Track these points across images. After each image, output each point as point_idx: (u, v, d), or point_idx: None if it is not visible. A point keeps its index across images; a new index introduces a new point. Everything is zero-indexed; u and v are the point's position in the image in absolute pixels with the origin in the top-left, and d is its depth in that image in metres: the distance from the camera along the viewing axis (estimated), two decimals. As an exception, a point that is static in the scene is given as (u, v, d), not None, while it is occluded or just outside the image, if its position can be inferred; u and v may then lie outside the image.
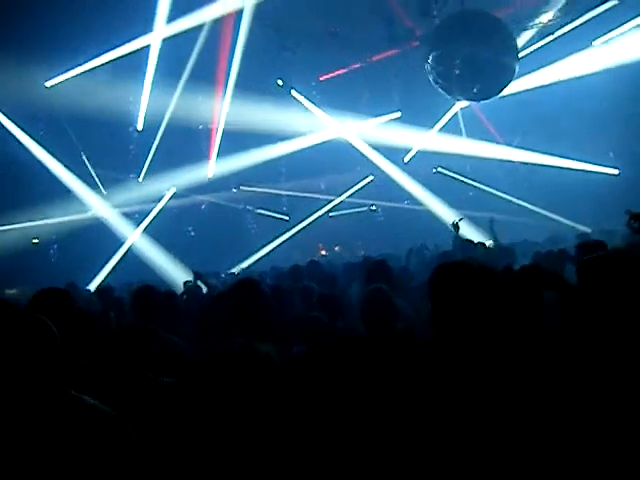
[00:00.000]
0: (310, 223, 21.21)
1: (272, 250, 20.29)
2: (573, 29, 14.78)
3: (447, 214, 17.95)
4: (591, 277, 3.13)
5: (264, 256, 19.75)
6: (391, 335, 4.58)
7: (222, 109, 18.04)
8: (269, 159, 19.66)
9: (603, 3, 13.97)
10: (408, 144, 20.13)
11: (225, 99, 17.68)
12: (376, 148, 20.20)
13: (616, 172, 18.20)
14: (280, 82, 17.74)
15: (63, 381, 2.90)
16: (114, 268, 17.61)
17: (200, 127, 19.44)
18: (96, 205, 18.08)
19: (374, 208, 21.23)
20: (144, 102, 16.95)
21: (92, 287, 14.30)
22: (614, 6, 13.95)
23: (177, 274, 15.33)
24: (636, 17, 14.54)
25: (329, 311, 5.60)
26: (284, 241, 20.81)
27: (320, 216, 21.35)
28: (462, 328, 3.08)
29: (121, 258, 17.93)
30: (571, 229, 15.38)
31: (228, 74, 16.94)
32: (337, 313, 5.81)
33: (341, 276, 9.33)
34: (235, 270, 13.12)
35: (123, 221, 18.49)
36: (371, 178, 21.12)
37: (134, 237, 18.41)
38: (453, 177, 20.51)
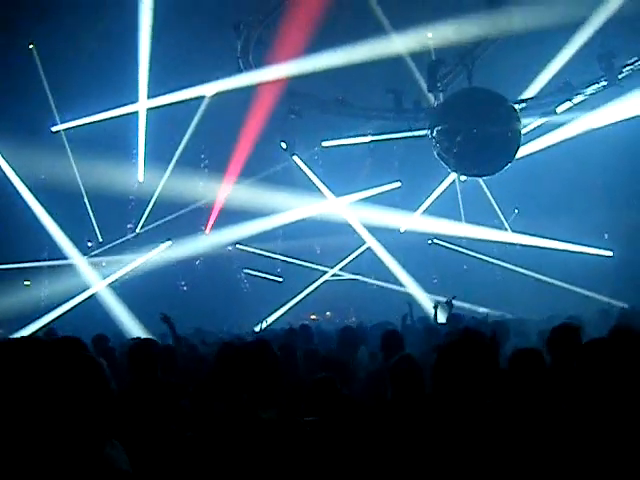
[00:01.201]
0: (309, 293, 21.11)
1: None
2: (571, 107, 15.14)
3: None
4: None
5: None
6: (421, 400, 4.63)
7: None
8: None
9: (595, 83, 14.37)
10: (405, 217, 20.36)
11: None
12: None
13: (610, 254, 18.37)
14: (284, 145, 17.92)
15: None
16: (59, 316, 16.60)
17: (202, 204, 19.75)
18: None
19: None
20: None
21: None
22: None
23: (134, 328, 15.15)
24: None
25: (336, 375, 5.61)
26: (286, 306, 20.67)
27: (316, 286, 21.30)
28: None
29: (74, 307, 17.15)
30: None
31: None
32: (345, 377, 5.82)
33: (338, 340, 9.34)
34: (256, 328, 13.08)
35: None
36: (367, 246, 21.15)
37: (100, 286, 17.78)
38: (448, 247, 20.62)
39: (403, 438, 3.69)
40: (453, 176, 18.99)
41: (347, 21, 13.58)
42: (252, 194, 18.66)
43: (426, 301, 16.82)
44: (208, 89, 15.64)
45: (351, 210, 20.15)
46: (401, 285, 20.20)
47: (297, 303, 20.68)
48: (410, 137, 15.73)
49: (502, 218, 20.53)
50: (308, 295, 20.99)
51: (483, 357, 3.48)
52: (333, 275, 21.36)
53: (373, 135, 18.18)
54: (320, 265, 21.44)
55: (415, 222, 20.17)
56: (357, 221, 20.30)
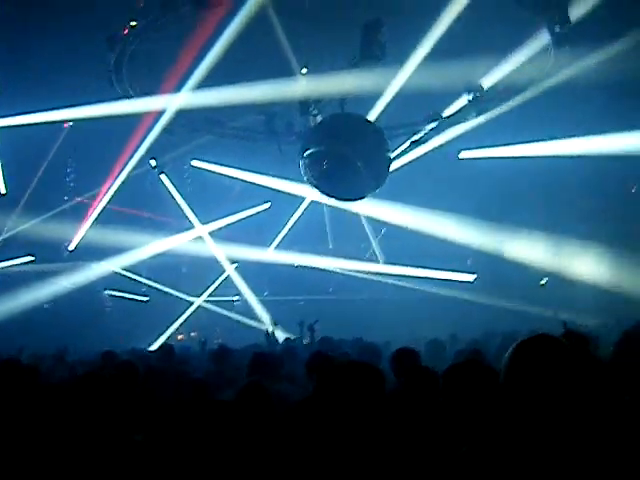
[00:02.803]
0: (186, 318, 21.01)
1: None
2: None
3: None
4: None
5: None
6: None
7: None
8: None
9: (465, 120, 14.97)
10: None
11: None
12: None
13: (471, 278, 18.93)
14: (153, 162, 17.67)
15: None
16: None
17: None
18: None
19: (236, 299, 21.19)
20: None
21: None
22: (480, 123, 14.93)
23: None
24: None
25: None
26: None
27: (192, 312, 21.18)
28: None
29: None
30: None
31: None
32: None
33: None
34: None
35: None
36: (227, 274, 21.13)
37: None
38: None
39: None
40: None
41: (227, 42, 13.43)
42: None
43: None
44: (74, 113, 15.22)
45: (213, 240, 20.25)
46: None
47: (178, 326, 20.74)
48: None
49: (374, 246, 20.90)
50: (185, 320, 20.93)
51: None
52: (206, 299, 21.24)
53: (243, 170, 18.57)
54: (184, 293, 21.24)
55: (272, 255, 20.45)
56: (219, 250, 20.36)
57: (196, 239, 20.10)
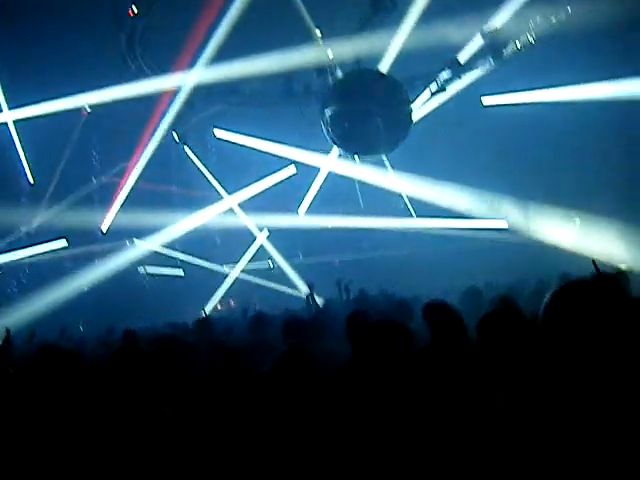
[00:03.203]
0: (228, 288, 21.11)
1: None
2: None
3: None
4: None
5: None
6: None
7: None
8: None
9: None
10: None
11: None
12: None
13: (505, 225, 18.73)
14: (175, 135, 17.67)
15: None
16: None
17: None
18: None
19: (272, 266, 21.17)
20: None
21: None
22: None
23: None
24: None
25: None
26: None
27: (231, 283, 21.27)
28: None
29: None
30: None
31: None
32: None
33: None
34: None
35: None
36: (260, 242, 21.20)
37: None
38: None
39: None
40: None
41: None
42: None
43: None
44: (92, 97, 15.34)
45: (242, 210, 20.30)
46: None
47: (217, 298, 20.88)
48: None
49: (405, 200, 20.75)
50: (226, 292, 21.04)
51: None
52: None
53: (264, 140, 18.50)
54: (219, 263, 21.36)
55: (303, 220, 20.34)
56: (249, 219, 20.43)
57: (226, 211, 20.11)
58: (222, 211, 20.12)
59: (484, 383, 3.67)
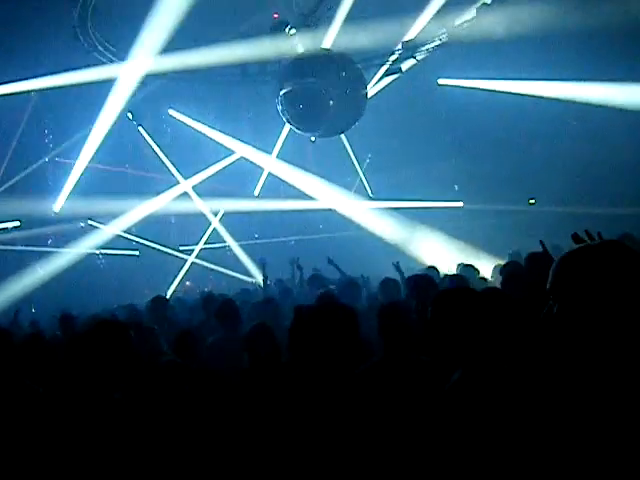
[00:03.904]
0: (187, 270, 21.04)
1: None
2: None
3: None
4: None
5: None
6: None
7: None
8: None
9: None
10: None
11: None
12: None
13: (461, 204, 18.87)
14: (130, 115, 17.47)
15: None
16: None
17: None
18: None
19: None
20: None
21: None
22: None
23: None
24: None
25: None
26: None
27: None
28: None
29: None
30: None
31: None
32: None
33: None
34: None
35: None
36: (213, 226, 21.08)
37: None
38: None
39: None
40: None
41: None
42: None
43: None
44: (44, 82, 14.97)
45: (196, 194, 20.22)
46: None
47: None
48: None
49: (363, 179, 20.81)
50: (184, 274, 20.97)
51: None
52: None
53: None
54: (175, 245, 21.28)
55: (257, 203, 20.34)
56: (203, 204, 20.34)
57: (181, 195, 20.00)
58: (177, 195, 19.96)
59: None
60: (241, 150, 19.32)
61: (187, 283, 21.23)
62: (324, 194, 19.52)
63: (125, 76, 15.18)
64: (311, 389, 3.38)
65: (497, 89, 16.08)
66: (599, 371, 2.19)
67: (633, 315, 2.17)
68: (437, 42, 14.72)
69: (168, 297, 14.30)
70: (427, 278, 6.69)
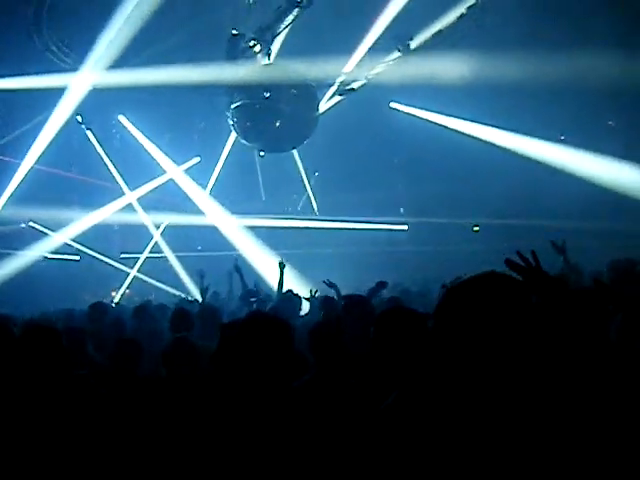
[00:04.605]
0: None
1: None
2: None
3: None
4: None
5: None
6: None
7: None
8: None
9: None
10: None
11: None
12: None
13: (405, 227, 19.01)
14: (79, 118, 17.27)
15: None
16: None
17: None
18: None
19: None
20: None
21: None
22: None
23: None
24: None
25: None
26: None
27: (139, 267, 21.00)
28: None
29: None
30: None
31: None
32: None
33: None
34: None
35: None
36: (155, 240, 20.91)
37: None
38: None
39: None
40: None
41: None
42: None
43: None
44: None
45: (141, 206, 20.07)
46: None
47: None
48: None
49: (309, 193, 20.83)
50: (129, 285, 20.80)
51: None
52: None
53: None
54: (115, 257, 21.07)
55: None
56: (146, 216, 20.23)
57: (125, 206, 19.85)
58: (121, 207, 19.80)
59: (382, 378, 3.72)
60: (172, 172, 19.39)
61: (126, 291, 21.00)
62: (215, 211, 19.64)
63: (76, 84, 15.03)
64: (233, 405, 3.34)
65: (437, 122, 16.60)
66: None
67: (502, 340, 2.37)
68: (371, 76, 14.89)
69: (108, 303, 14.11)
70: (362, 298, 6.72)
